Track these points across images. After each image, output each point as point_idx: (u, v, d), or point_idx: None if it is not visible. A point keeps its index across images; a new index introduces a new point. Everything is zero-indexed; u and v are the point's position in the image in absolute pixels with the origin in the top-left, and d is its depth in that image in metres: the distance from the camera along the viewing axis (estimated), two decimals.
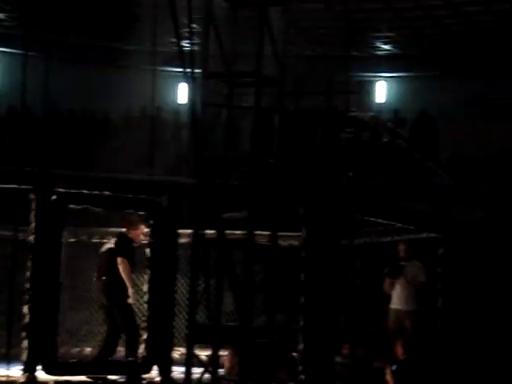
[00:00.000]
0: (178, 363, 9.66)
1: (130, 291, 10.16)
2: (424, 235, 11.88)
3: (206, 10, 7.99)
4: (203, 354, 9.11)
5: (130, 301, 10.22)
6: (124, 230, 10.57)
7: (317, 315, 9.63)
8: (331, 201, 9.94)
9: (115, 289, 10.20)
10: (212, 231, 8.35)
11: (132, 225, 10.44)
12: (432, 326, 11.85)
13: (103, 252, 10.64)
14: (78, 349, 12.28)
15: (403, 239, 12.19)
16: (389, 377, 9.85)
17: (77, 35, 23.31)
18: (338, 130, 16.76)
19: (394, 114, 20.89)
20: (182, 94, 25.23)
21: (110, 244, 10.62)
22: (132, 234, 10.48)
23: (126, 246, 10.41)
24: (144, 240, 10.40)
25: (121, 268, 10.13)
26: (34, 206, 9.01)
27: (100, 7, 22.16)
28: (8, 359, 8.87)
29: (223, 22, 8.56)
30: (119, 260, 10.16)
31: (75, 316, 12.40)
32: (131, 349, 9.94)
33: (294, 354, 9.98)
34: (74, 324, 12.35)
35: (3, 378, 8.85)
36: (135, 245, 10.54)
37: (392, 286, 12.32)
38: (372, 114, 18.04)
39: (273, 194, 8.47)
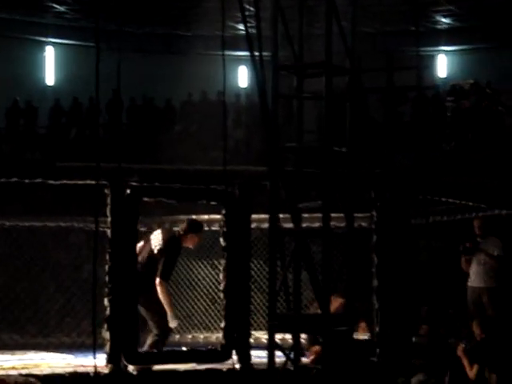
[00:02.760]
0: (254, 347, 9.79)
1: (170, 315, 9.72)
2: (497, 212, 11.78)
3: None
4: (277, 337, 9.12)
5: (172, 325, 9.82)
6: (179, 230, 10.03)
7: (392, 297, 9.66)
8: (401, 182, 9.93)
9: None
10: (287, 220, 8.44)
11: (191, 231, 9.96)
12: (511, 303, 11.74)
13: (154, 251, 9.85)
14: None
15: (477, 216, 12.07)
16: (461, 353, 9.83)
17: (136, 24, 23.51)
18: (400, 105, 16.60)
19: (487, 86, 20.09)
20: (242, 77, 25.34)
21: (159, 243, 9.87)
22: (187, 240, 10.00)
23: (174, 250, 9.91)
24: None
25: (159, 290, 9.59)
26: (109, 200, 9.16)
27: None
28: (94, 349, 9.01)
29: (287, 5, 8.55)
30: (158, 281, 9.58)
31: None
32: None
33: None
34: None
35: (90, 368, 9.06)
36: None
37: (468, 263, 12.22)
38: (472, 81, 17.75)
39: (346, 180, 8.51)
